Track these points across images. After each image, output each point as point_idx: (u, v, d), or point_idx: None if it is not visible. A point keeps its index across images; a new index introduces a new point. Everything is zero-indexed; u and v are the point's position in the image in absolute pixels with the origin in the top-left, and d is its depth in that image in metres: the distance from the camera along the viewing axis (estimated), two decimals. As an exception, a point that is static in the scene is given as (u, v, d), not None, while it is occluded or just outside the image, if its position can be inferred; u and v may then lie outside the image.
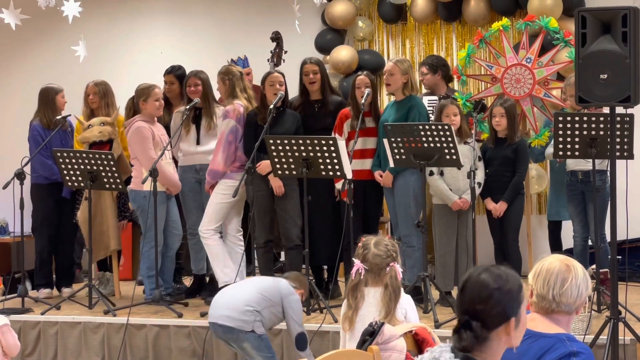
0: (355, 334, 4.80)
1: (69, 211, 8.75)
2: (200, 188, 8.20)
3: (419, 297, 7.21)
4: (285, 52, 9.05)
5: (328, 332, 6.91)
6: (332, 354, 3.86)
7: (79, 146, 8.56)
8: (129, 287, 8.52)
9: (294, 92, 8.32)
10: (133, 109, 8.37)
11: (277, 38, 9.06)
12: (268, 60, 8.93)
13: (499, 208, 7.63)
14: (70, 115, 8.68)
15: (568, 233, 8.22)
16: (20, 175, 7.99)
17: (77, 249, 9.56)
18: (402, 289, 4.94)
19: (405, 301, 4.91)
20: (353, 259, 4.93)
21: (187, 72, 8.44)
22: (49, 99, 8.65)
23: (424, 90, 9.17)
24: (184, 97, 8.41)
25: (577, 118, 6.90)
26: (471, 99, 8.41)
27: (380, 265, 4.86)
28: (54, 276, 8.90)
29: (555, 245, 8.62)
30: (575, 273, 3.52)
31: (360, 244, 4.96)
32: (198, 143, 8.22)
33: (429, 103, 8.61)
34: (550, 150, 7.96)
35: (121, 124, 8.47)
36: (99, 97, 8.59)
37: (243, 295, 6.19)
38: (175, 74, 8.79)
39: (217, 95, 8.38)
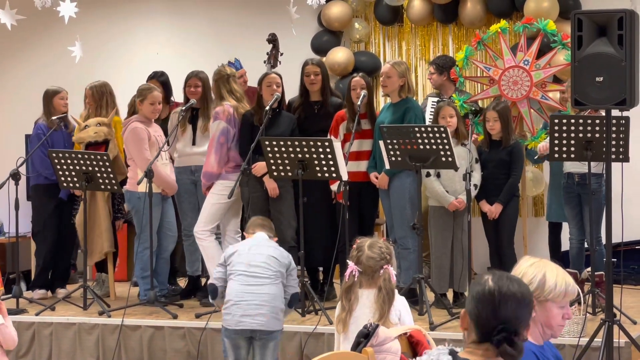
0: (349, 335, 4.80)
1: (68, 213, 8.73)
2: (196, 189, 8.19)
3: (414, 299, 7.21)
4: (281, 54, 9.05)
5: (323, 334, 6.90)
6: (326, 356, 3.85)
7: (77, 147, 8.54)
8: (125, 288, 8.50)
9: (290, 92, 8.32)
10: (134, 107, 8.37)
11: (273, 40, 9.06)
12: (264, 62, 8.93)
13: (494, 210, 7.62)
14: (65, 115, 8.66)
15: (566, 235, 8.23)
16: (15, 176, 7.98)
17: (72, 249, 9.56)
18: (395, 291, 4.92)
19: (400, 303, 4.90)
20: (347, 260, 4.92)
21: (189, 72, 8.39)
22: (47, 100, 8.68)
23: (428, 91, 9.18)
24: (169, 102, 8.45)
25: (572, 120, 6.90)
26: (468, 101, 8.41)
27: (373, 268, 4.85)
28: (49, 277, 8.89)
29: (555, 247, 8.60)
30: (516, 268, 3.54)
31: (354, 246, 4.95)
32: (194, 144, 8.21)
33: (432, 105, 8.61)
34: (544, 142, 7.93)
35: (118, 124, 8.46)
36: (94, 100, 8.57)
37: (276, 294, 6.20)
38: (159, 79, 8.77)
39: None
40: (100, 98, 8.55)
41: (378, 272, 4.84)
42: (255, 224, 6.49)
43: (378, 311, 4.78)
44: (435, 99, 8.70)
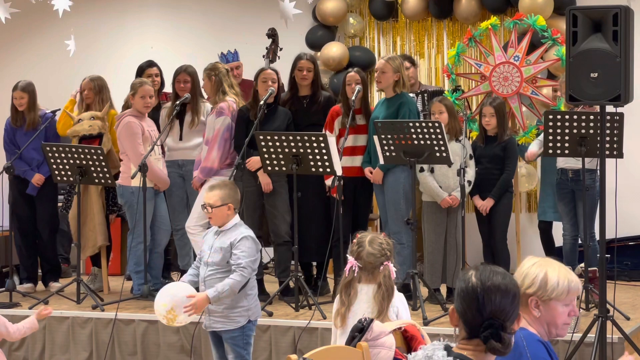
0: (347, 330, 4.79)
1: (44, 206, 8.69)
2: (184, 183, 8.20)
3: (408, 294, 7.21)
4: (281, 49, 9.06)
5: (317, 328, 6.90)
6: (321, 350, 3.86)
7: (73, 141, 8.54)
8: (118, 282, 8.50)
9: (286, 88, 8.32)
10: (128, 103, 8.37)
11: (273, 35, 9.08)
12: (263, 57, 8.95)
13: (485, 204, 7.63)
14: (59, 110, 8.65)
15: (558, 232, 8.24)
16: (8, 170, 7.98)
17: (65, 243, 9.54)
18: (395, 288, 4.92)
19: (397, 300, 4.89)
20: (347, 255, 4.91)
21: (178, 66, 8.44)
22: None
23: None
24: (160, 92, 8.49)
25: (567, 116, 6.91)
26: (460, 98, 8.42)
27: (374, 264, 4.83)
28: (40, 271, 8.87)
29: (548, 244, 8.60)
30: (520, 266, 3.57)
31: (354, 241, 4.93)
32: (180, 139, 8.21)
33: None
34: (532, 148, 7.92)
35: (112, 118, 8.45)
36: (94, 93, 8.56)
37: None
38: (156, 66, 8.85)
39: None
40: (100, 91, 8.55)
41: (378, 269, 4.83)
42: None
43: (377, 308, 4.76)
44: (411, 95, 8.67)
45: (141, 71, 8.70)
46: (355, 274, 4.85)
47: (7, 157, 8.56)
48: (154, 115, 8.42)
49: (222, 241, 5.76)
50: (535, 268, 3.55)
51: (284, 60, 9.09)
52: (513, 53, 8.18)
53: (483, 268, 3.07)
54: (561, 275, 3.53)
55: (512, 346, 3.01)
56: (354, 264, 4.84)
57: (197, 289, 5.76)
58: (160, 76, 8.75)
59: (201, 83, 8.22)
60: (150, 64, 8.76)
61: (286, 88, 8.26)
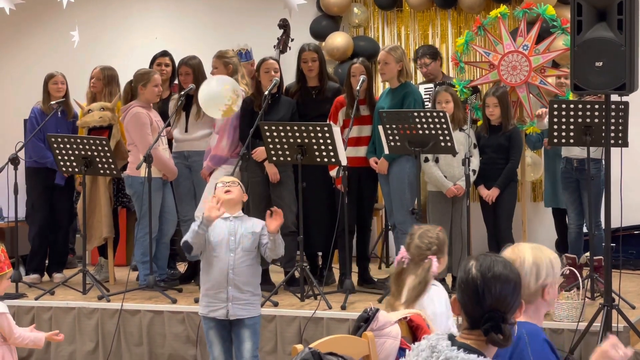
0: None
1: (64, 198, 8.72)
2: (190, 174, 8.20)
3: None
4: (292, 40, 9.03)
5: (322, 318, 6.91)
6: (326, 340, 3.86)
7: (82, 131, 8.54)
8: (124, 272, 8.51)
9: (287, 78, 8.31)
10: (131, 93, 8.36)
11: (284, 25, 9.07)
12: (274, 47, 8.93)
13: (491, 194, 7.63)
14: (63, 100, 8.65)
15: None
16: (14, 160, 7.99)
17: (70, 234, 9.56)
18: (432, 282, 4.87)
19: (429, 295, 4.85)
20: (401, 246, 4.95)
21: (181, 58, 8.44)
22: (44, 84, 8.66)
23: (418, 80, 9.15)
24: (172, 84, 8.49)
25: (572, 105, 6.91)
26: (468, 86, 8.41)
27: (419, 257, 4.86)
28: (47, 262, 8.89)
29: (561, 232, 8.59)
30: (522, 260, 3.48)
31: (410, 232, 4.98)
32: (186, 131, 8.21)
33: (425, 91, 8.60)
34: None
35: (118, 109, 8.46)
36: (103, 83, 8.57)
37: None
38: (169, 58, 8.84)
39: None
40: (109, 82, 8.56)
41: (423, 261, 4.85)
42: None
43: (406, 296, 4.76)
44: (430, 86, 8.68)
45: (154, 60, 8.71)
46: (405, 265, 4.87)
47: (32, 144, 8.53)
48: (163, 106, 8.43)
49: (250, 226, 5.79)
50: (528, 257, 3.49)
51: (289, 51, 9.08)
52: (522, 42, 8.17)
53: (484, 258, 3.06)
54: (545, 258, 3.48)
55: (512, 338, 3.01)
56: (404, 256, 4.88)
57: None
58: (173, 67, 8.74)
59: (211, 70, 8.19)
60: (164, 53, 8.77)
61: (293, 79, 8.26)
